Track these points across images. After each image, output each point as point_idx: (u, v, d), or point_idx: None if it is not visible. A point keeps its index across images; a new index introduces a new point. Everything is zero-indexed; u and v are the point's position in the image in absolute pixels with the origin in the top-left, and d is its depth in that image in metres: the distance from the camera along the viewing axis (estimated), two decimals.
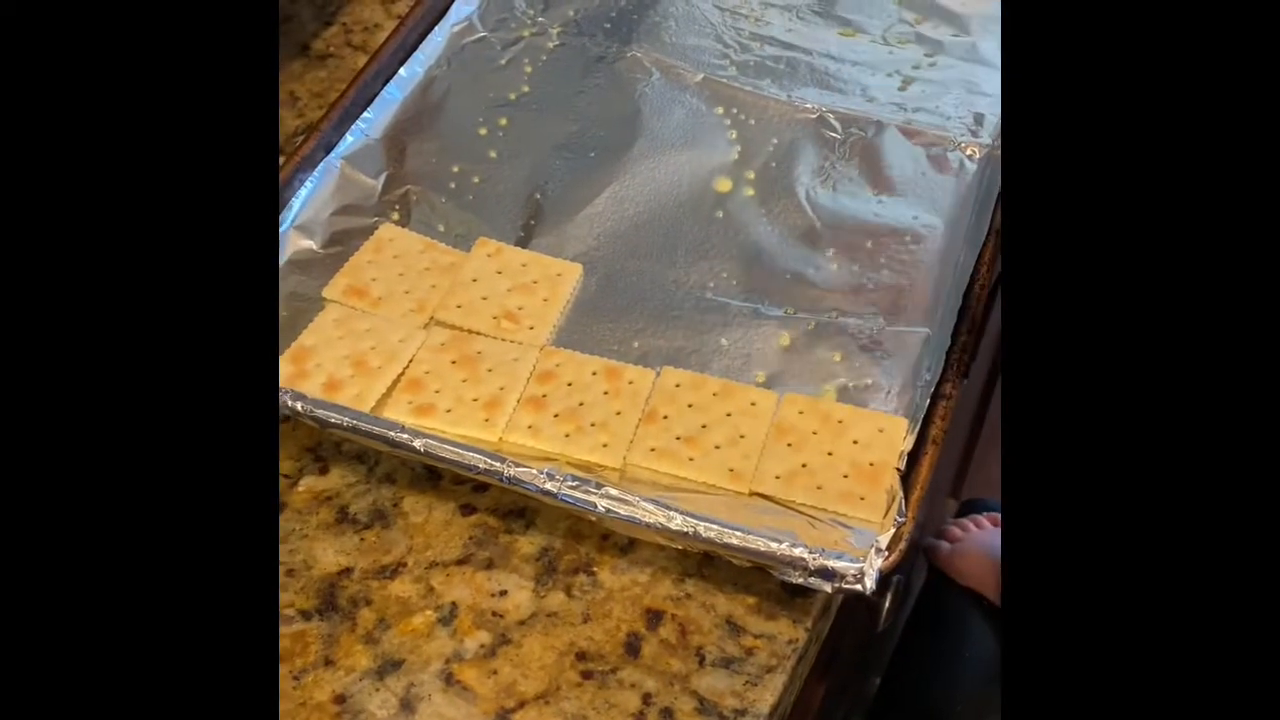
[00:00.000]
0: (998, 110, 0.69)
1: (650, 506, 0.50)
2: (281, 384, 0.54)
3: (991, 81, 0.71)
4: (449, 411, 0.55)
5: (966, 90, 0.70)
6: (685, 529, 0.49)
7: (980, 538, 0.90)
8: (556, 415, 0.56)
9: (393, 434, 0.53)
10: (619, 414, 0.56)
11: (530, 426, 0.55)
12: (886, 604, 0.53)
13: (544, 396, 0.56)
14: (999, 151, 0.66)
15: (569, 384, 0.57)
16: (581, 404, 0.56)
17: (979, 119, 0.69)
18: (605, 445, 0.55)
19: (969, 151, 0.67)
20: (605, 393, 0.57)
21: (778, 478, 0.54)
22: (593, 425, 0.55)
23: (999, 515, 0.92)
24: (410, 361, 0.57)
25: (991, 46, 0.73)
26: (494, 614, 0.51)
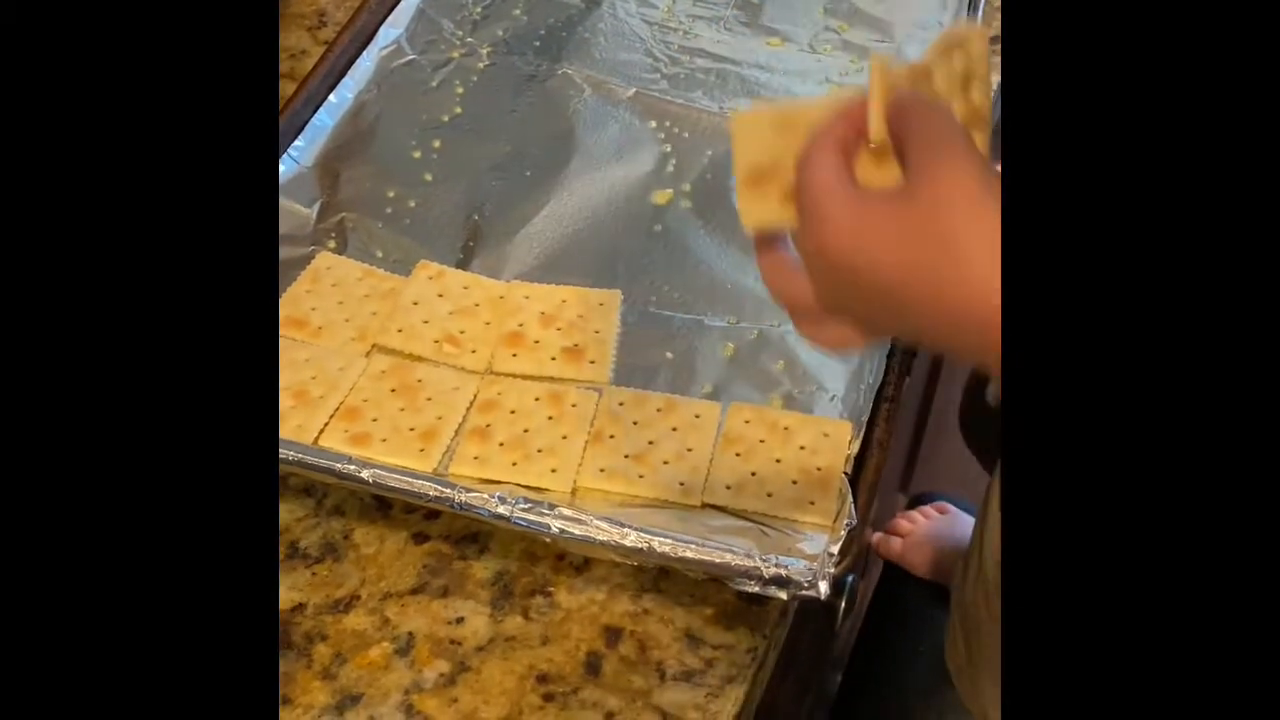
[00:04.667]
0: None
1: (604, 524, 0.50)
2: None
3: None
4: (384, 441, 0.55)
5: None
6: (640, 545, 0.49)
7: (929, 528, 0.91)
8: (502, 444, 0.55)
9: (339, 465, 0.52)
10: (565, 438, 0.56)
11: (477, 458, 0.55)
12: (843, 605, 0.54)
13: (488, 426, 0.56)
14: None
15: (512, 411, 0.57)
16: (526, 430, 0.56)
17: None
18: (554, 470, 0.54)
19: None
20: (550, 417, 0.57)
21: (728, 488, 0.54)
22: (539, 451, 0.55)
23: (946, 504, 0.94)
24: (350, 390, 0.57)
25: (915, 51, 0.74)
26: (451, 641, 0.51)
